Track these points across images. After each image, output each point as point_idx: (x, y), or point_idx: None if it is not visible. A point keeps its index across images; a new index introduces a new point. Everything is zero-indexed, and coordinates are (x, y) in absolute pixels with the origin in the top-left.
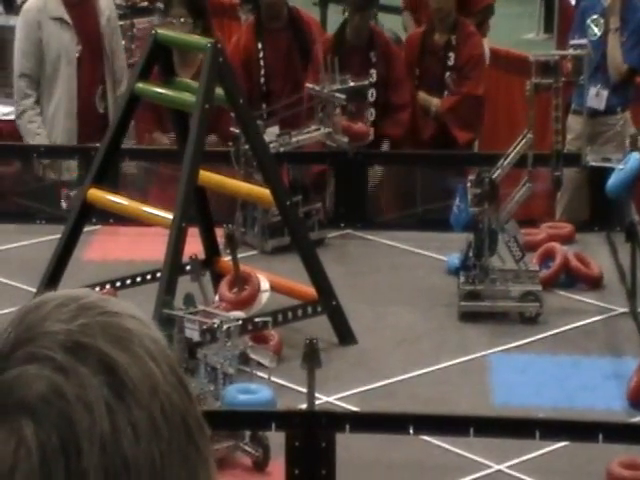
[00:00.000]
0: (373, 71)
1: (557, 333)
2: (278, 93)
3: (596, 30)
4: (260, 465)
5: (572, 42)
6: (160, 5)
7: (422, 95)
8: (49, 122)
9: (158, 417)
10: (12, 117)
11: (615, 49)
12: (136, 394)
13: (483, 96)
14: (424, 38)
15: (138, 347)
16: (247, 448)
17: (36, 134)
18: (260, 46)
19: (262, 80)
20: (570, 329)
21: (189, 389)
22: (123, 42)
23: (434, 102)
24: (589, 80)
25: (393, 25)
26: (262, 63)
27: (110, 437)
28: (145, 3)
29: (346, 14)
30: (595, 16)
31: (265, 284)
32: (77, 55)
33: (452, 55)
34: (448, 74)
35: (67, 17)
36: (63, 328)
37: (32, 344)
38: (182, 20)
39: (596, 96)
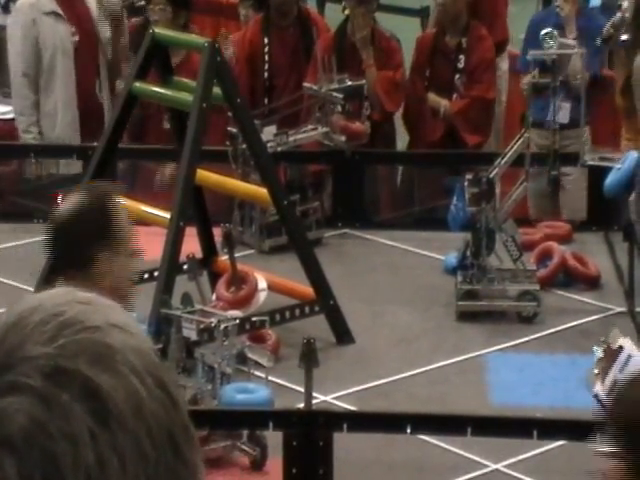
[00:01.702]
0: None
1: (554, 332)
2: (281, 89)
3: (551, 43)
4: (257, 464)
5: (532, 52)
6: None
7: (432, 96)
8: (50, 117)
9: (144, 439)
10: (10, 116)
11: (576, 59)
12: (120, 419)
13: (494, 100)
14: (436, 40)
15: (121, 364)
16: (245, 447)
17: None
18: (266, 41)
19: (266, 75)
20: (567, 328)
21: (175, 396)
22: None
23: (443, 103)
24: (552, 93)
25: (392, 25)
26: (267, 58)
27: (95, 469)
28: (142, 2)
29: (346, 12)
30: (549, 29)
31: (262, 283)
32: (74, 46)
33: (462, 58)
34: (457, 76)
35: (59, 10)
36: (43, 352)
37: (12, 372)
38: (160, 7)
39: (559, 110)
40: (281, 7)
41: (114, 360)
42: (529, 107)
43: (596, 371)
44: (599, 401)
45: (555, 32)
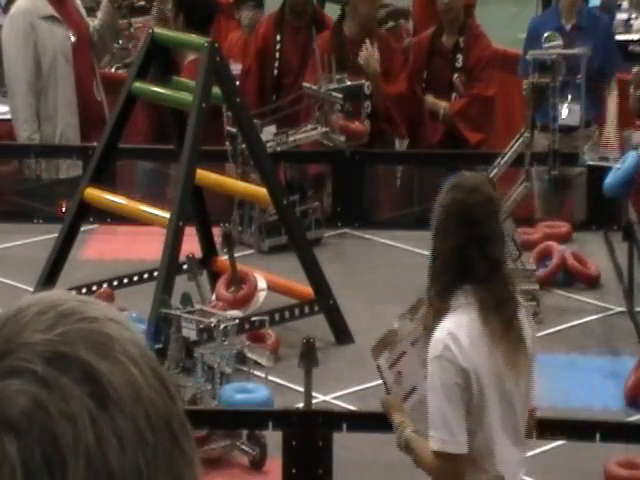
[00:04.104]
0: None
1: (554, 332)
2: (289, 88)
3: (553, 45)
4: (257, 464)
5: (532, 53)
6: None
7: (430, 99)
8: (50, 121)
9: (142, 424)
10: (9, 117)
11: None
12: (119, 403)
13: (493, 97)
14: (432, 40)
15: (119, 353)
16: (244, 447)
17: None
18: (278, 38)
19: (275, 72)
20: (567, 328)
21: (171, 389)
22: (121, 41)
23: (442, 105)
24: (559, 97)
25: None
26: (278, 56)
27: (95, 450)
28: (142, 2)
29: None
30: (550, 32)
31: (262, 283)
32: (72, 48)
33: (460, 57)
34: (456, 76)
35: (56, 14)
36: (43, 338)
37: (12, 356)
38: (169, 8)
39: (569, 113)
40: (295, 7)
41: (113, 349)
42: (528, 107)
43: (388, 340)
44: (380, 373)
45: (557, 34)
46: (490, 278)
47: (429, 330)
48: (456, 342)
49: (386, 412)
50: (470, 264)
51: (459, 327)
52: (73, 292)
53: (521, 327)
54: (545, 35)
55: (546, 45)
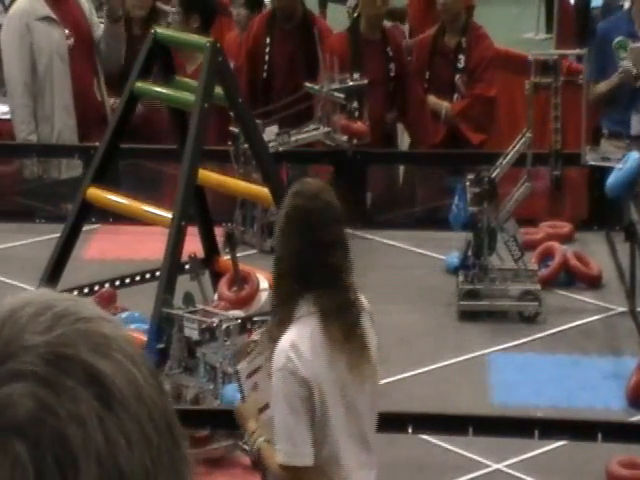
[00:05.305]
0: (392, 66)
1: (556, 332)
2: (278, 91)
3: (624, 54)
4: (259, 464)
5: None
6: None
7: (432, 99)
8: (48, 122)
9: (146, 424)
10: (9, 116)
11: None
12: (124, 403)
13: (495, 97)
14: (435, 41)
15: (118, 352)
16: (246, 447)
17: None
18: (268, 41)
19: (265, 75)
20: (569, 328)
21: (164, 388)
22: None
23: (444, 105)
24: (629, 104)
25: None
26: (267, 58)
27: (105, 450)
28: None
29: (357, 11)
30: (621, 37)
31: (264, 283)
32: (69, 49)
33: (462, 57)
34: (458, 76)
35: (53, 15)
36: (42, 340)
37: (13, 360)
38: (174, 9)
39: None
40: (283, 9)
41: (111, 348)
42: (530, 107)
43: (249, 349)
44: (238, 378)
45: (628, 40)
46: (330, 285)
47: (274, 340)
48: (298, 353)
49: (240, 420)
50: (309, 270)
51: (301, 338)
52: (58, 291)
53: (364, 333)
54: (616, 40)
55: (633, 45)
